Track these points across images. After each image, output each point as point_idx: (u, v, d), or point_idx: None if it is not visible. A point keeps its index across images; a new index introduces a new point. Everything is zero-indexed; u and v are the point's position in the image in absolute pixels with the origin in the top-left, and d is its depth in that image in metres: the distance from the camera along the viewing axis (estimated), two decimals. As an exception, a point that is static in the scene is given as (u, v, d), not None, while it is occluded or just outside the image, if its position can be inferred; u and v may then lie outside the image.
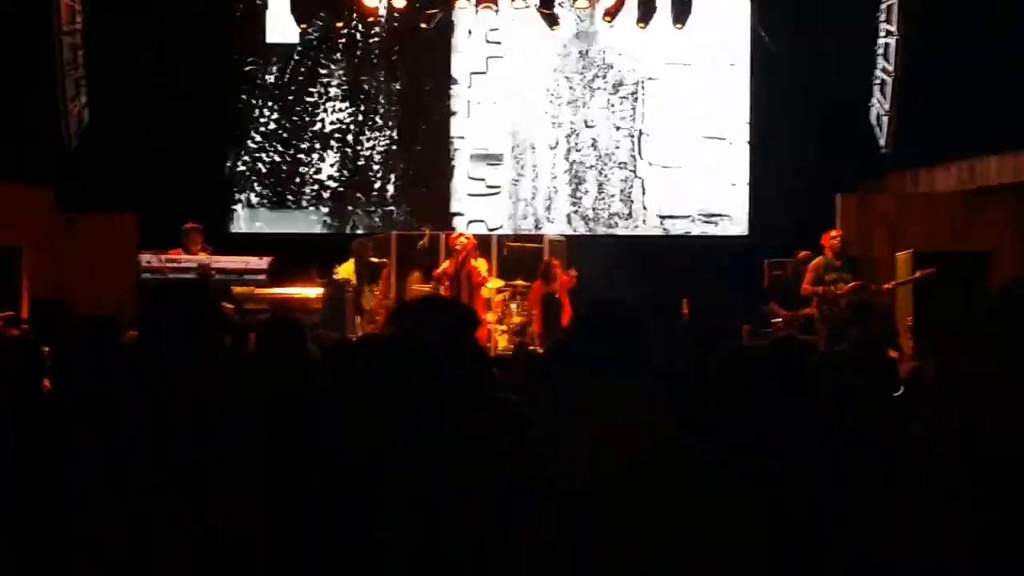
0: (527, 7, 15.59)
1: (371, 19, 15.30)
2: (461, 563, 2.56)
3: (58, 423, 3.82)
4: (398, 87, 16.46)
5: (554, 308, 13.18)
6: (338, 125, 16.45)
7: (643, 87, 16.39)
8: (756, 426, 3.63)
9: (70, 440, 2.57)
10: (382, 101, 16.44)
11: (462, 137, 16.49)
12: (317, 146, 16.46)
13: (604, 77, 16.44)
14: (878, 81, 14.63)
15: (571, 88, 16.45)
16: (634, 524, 2.26)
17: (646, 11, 15.04)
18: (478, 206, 16.51)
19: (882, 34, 14.42)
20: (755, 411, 3.74)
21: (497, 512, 2.53)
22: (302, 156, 16.46)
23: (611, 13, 15.15)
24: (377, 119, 16.45)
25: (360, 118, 16.44)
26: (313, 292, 13.36)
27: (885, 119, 14.38)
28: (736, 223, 16.23)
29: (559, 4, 15.66)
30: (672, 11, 15.36)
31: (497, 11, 15.40)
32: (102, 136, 14.85)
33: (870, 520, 3.32)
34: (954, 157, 13.37)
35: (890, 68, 14.29)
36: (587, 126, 16.43)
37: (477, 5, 15.21)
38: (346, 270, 13.73)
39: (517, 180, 16.52)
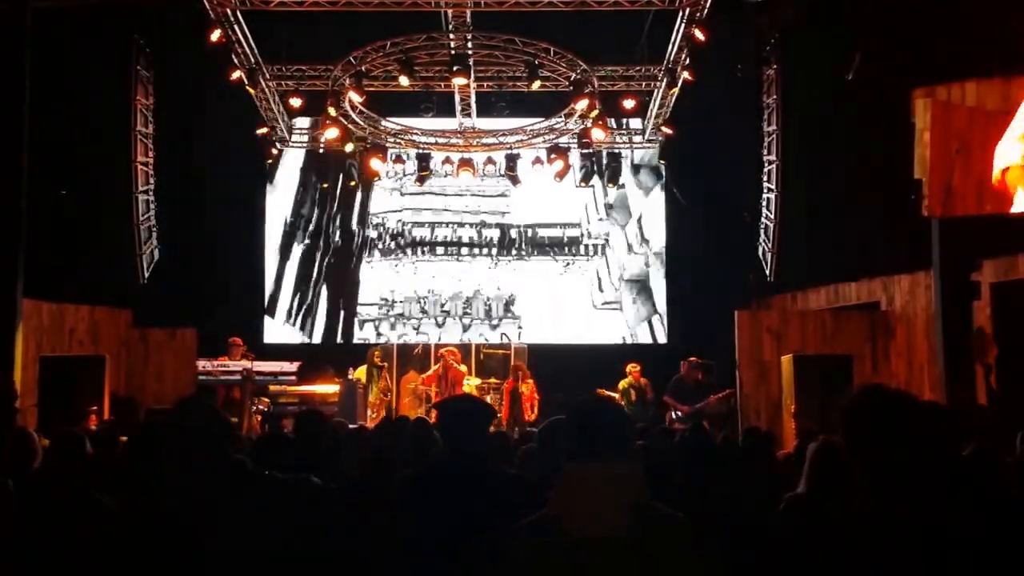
0: (498, 172, 15.85)
1: (375, 180, 15.47)
2: None
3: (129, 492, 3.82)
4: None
5: (518, 400, 13.15)
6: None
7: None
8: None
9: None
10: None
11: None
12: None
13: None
14: (763, 227, 14.90)
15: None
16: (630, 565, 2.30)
17: (586, 175, 15.35)
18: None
19: (765, 191, 14.74)
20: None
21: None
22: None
23: (560, 175, 15.43)
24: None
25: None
26: (331, 389, 13.31)
27: (770, 255, 14.60)
28: (660, 334, 16.37)
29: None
30: (606, 173, 15.70)
31: (475, 174, 15.59)
32: (168, 270, 14.91)
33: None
34: (822, 283, 13.59)
35: (772, 217, 14.57)
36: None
37: (458, 169, 15.41)
38: (360, 372, 13.66)
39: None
